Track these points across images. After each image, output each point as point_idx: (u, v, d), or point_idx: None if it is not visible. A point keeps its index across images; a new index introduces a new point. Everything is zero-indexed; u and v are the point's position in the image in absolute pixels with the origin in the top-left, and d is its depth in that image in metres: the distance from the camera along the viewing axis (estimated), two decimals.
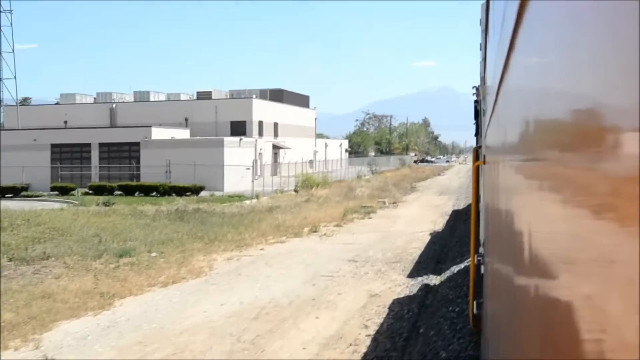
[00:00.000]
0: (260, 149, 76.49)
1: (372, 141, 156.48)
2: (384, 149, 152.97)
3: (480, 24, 10.79)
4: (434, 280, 16.91)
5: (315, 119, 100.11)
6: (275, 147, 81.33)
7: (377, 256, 20.94)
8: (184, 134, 60.64)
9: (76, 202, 39.50)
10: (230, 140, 53.26)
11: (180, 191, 44.03)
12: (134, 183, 46.25)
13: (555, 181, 1.30)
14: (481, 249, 8.28)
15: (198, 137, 58.83)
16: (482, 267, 7.60)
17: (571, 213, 1.09)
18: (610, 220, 0.81)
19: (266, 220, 30.38)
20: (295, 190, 47.79)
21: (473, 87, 15.18)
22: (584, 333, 0.94)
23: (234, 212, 33.92)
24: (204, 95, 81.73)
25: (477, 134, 14.03)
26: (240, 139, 55.09)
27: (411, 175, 77.37)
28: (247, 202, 41.83)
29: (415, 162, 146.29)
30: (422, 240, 24.51)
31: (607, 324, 0.81)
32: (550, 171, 1.37)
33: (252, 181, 46.40)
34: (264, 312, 13.28)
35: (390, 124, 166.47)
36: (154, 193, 44.32)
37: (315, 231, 27.21)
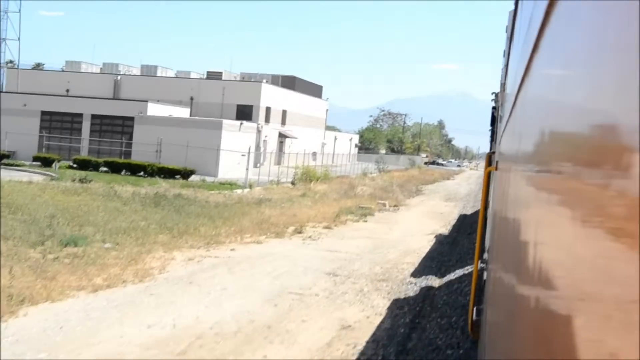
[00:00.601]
0: (265, 136, 73.66)
1: (384, 138, 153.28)
2: (396, 148, 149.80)
3: (506, 31, 10.67)
4: (423, 309, 13.98)
5: (327, 110, 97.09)
6: (282, 136, 78.44)
7: (362, 270, 18.00)
8: (183, 112, 57.71)
9: (54, 176, 36.70)
10: (229, 124, 50.28)
11: (169, 173, 41.16)
12: (121, 160, 43.32)
13: (564, 194, 1.33)
14: (485, 255, 8.25)
15: (197, 117, 55.92)
16: (485, 273, 7.57)
17: (578, 227, 1.11)
18: (618, 238, 0.81)
19: (251, 215, 27.50)
20: (293, 183, 44.86)
21: (492, 94, 15.15)
22: (581, 346, 0.96)
23: (218, 202, 31.03)
24: (214, 76, 78.98)
25: (492, 140, 13.88)
26: (241, 123, 52.12)
27: (419, 177, 74.30)
28: (238, 191, 38.95)
29: (425, 163, 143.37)
30: (417, 254, 21.56)
31: (606, 338, 0.82)
32: (561, 184, 1.40)
33: (247, 169, 43.42)
34: (197, 343, 10.31)
35: (404, 123, 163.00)
36: (142, 173, 41.44)
37: (300, 232, 24.29)
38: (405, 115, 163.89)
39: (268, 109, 73.93)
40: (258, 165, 64.61)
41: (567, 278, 1.18)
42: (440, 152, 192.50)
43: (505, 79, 9.05)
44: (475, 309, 7.33)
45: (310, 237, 23.59)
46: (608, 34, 0.97)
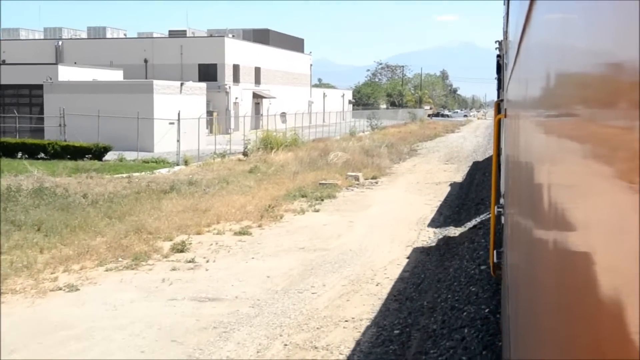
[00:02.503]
0: (236, 98, 63.31)
1: (384, 93, 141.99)
2: (397, 102, 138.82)
3: None
4: None
5: (311, 65, 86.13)
6: (257, 96, 68.02)
7: None
8: (113, 75, 47.06)
9: None
10: (164, 85, 39.67)
11: (77, 153, 30.95)
12: (13, 140, 33.00)
13: (575, 135, 1.32)
14: (501, 200, 8.22)
15: (124, 80, 45.34)
16: (502, 218, 7.60)
17: (589, 166, 1.12)
18: (629, 174, 0.81)
19: (133, 215, 17.50)
20: (245, 154, 34.66)
21: (496, 42, 15.34)
22: (600, 283, 0.96)
23: (107, 194, 20.94)
24: (176, 35, 68.33)
25: (500, 88, 14.07)
26: (182, 84, 41.56)
27: (418, 133, 63.78)
28: (163, 171, 28.80)
29: (429, 115, 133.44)
30: (378, 295, 11.44)
31: (621, 273, 0.83)
32: (570, 125, 1.40)
33: (178, 141, 33.06)
34: None
35: (403, 75, 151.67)
36: (42, 154, 31.26)
37: (182, 250, 14.13)
38: (404, 66, 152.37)
39: (236, 67, 63.41)
40: (230, 131, 54.77)
41: (582, 218, 1.19)
42: (445, 103, 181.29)
43: (507, 27, 8.72)
44: (495, 252, 7.81)
45: (191, 260, 13.38)
46: None
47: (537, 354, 2.10)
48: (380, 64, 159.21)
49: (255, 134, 39.49)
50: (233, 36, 67.60)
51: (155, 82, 39.39)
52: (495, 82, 18.36)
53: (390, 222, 18.00)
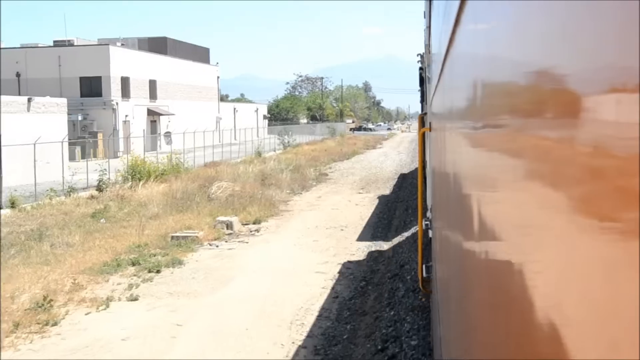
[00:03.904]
0: (126, 116, 55.15)
1: (304, 106, 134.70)
2: (318, 115, 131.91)
3: None
4: None
5: (218, 77, 78.26)
6: (153, 113, 59.98)
7: None
8: None
9: None
10: (5, 102, 31.33)
11: None
12: None
13: (501, 146, 1.33)
14: (428, 214, 8.27)
15: None
16: (430, 232, 7.67)
17: (514, 177, 1.14)
18: (555, 183, 0.83)
19: None
20: (99, 189, 26.80)
21: (418, 55, 15.49)
22: (529, 293, 0.98)
23: None
24: (61, 45, 59.57)
25: (423, 100, 14.37)
26: (29, 100, 33.25)
27: (335, 150, 56.70)
28: None
29: (351, 129, 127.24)
30: None
31: (550, 282, 0.84)
32: (496, 136, 1.41)
33: None
34: None
35: (322, 87, 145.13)
36: None
37: None
38: (323, 78, 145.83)
39: (125, 80, 55.28)
40: (119, 154, 46.81)
41: (510, 230, 1.19)
42: (368, 115, 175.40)
43: (429, 40, 8.75)
44: (424, 266, 7.59)
45: None
46: None
47: None
48: (300, 76, 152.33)
49: (122, 160, 31.54)
50: (123, 45, 59.40)
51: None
52: (419, 94, 17.94)
53: (250, 322, 10.59)
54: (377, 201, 25.71)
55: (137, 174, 28.65)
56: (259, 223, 20.27)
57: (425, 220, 8.16)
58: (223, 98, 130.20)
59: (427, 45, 9.59)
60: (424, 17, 10.91)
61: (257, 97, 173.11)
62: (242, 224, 19.82)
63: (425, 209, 8.66)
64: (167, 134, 53.43)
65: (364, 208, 23.83)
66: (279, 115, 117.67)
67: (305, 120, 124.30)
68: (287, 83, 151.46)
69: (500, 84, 1.35)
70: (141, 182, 27.70)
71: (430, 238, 7.74)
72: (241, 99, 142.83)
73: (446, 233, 3.76)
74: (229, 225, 18.82)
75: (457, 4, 2.42)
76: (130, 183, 28.10)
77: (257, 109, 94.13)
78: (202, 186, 27.37)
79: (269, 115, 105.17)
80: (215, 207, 22.59)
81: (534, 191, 0.95)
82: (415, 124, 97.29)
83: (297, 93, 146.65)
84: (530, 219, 0.98)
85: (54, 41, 62.21)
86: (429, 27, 8.65)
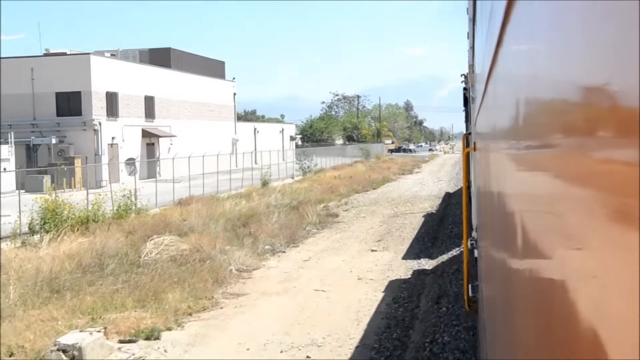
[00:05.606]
0: (113, 138, 46.55)
1: (340, 127, 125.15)
2: (355, 136, 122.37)
3: (467, 13, 10.61)
4: None
5: (235, 94, 69.40)
6: (150, 135, 51.33)
7: None
8: None
9: None
10: None
11: None
12: None
13: (545, 166, 1.34)
14: (474, 233, 8.42)
15: None
16: (476, 252, 7.75)
17: (559, 197, 1.13)
18: (597, 203, 0.83)
19: None
20: (45, 230, 18.06)
21: (462, 75, 15.30)
22: (578, 312, 0.96)
23: None
24: (34, 56, 51.04)
25: (467, 120, 14.34)
26: None
27: (361, 177, 47.37)
28: None
29: (390, 151, 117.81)
30: None
31: (600, 303, 0.83)
32: (541, 157, 1.42)
33: None
34: None
35: (358, 106, 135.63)
36: None
37: None
38: (359, 96, 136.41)
39: (112, 96, 46.80)
40: (103, 184, 38.48)
41: (557, 250, 1.19)
42: (409, 135, 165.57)
43: (473, 60, 8.97)
44: (469, 286, 7.66)
45: None
46: (573, 4, 0.99)
47: None
48: (337, 95, 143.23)
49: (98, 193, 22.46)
50: (113, 55, 50.96)
51: None
52: (463, 113, 17.46)
53: None
54: (397, 266, 16.22)
55: (47, 222, 19.64)
56: (156, 338, 10.87)
57: (471, 240, 8.44)
58: (249, 118, 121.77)
59: (471, 65, 9.69)
60: (467, 38, 11.20)
61: (298, 117, 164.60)
62: (120, 341, 10.48)
63: (470, 228, 8.80)
64: (130, 162, 44.52)
65: (370, 289, 14.43)
66: (313, 136, 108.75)
67: (341, 142, 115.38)
68: (323, 102, 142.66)
69: (542, 102, 1.36)
70: (48, 236, 18.71)
71: (476, 257, 7.74)
72: (275, 119, 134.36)
73: (492, 252, 3.76)
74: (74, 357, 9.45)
75: (499, 25, 2.44)
76: (39, 235, 19.23)
77: (283, 129, 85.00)
78: (141, 241, 18.40)
79: (299, 136, 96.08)
80: (113, 291, 13.33)
81: (580, 210, 0.94)
82: (459, 144, 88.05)
83: (333, 113, 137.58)
84: (578, 237, 0.97)
85: (45, 51, 53.94)
86: (472, 47, 9.00)
